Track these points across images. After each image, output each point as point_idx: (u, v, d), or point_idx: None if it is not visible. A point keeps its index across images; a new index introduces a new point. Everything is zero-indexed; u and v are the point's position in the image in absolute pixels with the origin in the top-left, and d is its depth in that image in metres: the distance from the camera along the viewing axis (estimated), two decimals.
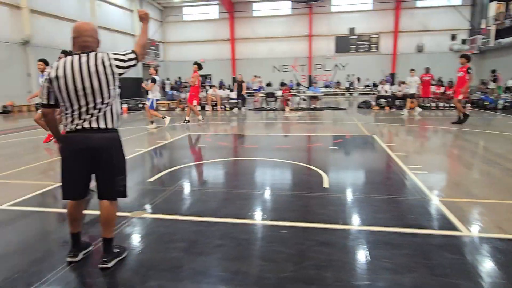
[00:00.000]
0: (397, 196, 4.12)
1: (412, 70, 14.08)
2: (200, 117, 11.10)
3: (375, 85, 27.04)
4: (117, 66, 2.49)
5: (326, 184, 4.58)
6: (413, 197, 4.07)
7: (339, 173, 5.38)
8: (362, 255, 2.72)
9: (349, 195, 4.17)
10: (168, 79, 30.39)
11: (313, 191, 4.36)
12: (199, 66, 10.79)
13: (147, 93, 10.50)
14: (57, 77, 2.41)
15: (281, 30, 30.32)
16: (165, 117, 10.45)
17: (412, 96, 14.01)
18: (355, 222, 3.40)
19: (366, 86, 28.80)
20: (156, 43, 29.39)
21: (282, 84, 18.87)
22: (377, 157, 6.49)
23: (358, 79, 28.93)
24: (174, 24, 32.36)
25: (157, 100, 10.88)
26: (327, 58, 30.17)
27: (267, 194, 4.30)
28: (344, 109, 16.70)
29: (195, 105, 11.17)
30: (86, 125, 2.44)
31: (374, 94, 21.76)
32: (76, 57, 2.44)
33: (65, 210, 2.74)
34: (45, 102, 2.51)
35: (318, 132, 9.97)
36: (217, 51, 31.91)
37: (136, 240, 3.08)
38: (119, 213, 3.00)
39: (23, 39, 17.59)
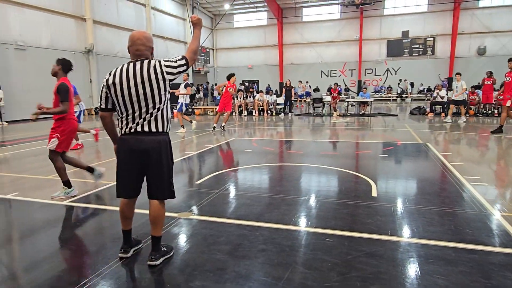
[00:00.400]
0: (453, 209, 3.85)
1: (458, 74, 12.97)
2: (214, 124, 11.24)
3: (429, 90, 25.70)
4: (168, 73, 2.59)
5: (374, 193, 4.42)
6: (470, 211, 3.78)
7: (389, 182, 5.15)
8: (412, 270, 2.57)
9: (399, 206, 3.98)
10: (216, 84, 31.20)
11: (360, 199, 4.22)
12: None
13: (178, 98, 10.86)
14: (114, 83, 2.56)
15: (330, 35, 29.93)
16: (183, 126, 10.73)
17: (456, 102, 12.97)
18: (405, 234, 3.23)
19: (420, 91, 27.45)
20: (206, 50, 30.34)
21: (329, 89, 18.49)
22: (431, 166, 6.13)
23: (411, 84, 27.63)
24: (224, 31, 33.23)
25: (186, 104, 11.23)
26: (378, 63, 29.23)
27: (312, 200, 4.23)
28: (396, 115, 16.03)
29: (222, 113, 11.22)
30: (139, 128, 2.58)
31: (428, 100, 20.68)
32: (131, 64, 2.59)
33: (117, 208, 2.89)
34: (103, 106, 2.68)
35: (367, 139, 9.65)
36: (264, 57, 32.24)
37: (182, 240, 3.17)
38: (167, 213, 3.12)
39: (86, 48, 19.05)
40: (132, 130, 2.58)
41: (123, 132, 2.63)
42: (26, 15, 16.02)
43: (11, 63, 15.36)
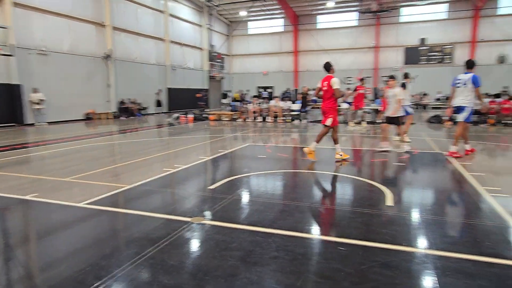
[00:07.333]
0: (471, 220, 3.75)
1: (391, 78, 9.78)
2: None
3: (448, 98, 25.22)
4: None
5: (389, 202, 4.34)
6: (490, 222, 3.66)
7: (404, 191, 5.06)
8: (429, 282, 2.50)
9: (415, 215, 3.89)
10: (229, 91, 31.44)
11: (375, 208, 4.15)
12: None
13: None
14: None
15: (346, 42, 29.84)
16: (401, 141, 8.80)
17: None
18: (421, 245, 3.15)
19: (438, 99, 26.96)
20: (222, 56, 30.62)
21: (355, 90, 17.01)
22: (448, 176, 6.00)
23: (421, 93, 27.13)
24: (240, 37, 33.50)
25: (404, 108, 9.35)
26: (395, 70, 28.90)
27: (325, 208, 4.18)
28: (412, 123, 15.73)
29: None
30: None
31: (447, 108, 20.30)
32: None
33: (132, 211, 2.92)
34: None
35: (382, 146, 9.49)
36: (280, 63, 32.36)
37: (194, 244, 3.18)
38: (180, 218, 3.11)
39: (105, 53, 19.48)
40: None
41: None
42: (49, 21, 16.52)
43: (33, 67, 15.81)
